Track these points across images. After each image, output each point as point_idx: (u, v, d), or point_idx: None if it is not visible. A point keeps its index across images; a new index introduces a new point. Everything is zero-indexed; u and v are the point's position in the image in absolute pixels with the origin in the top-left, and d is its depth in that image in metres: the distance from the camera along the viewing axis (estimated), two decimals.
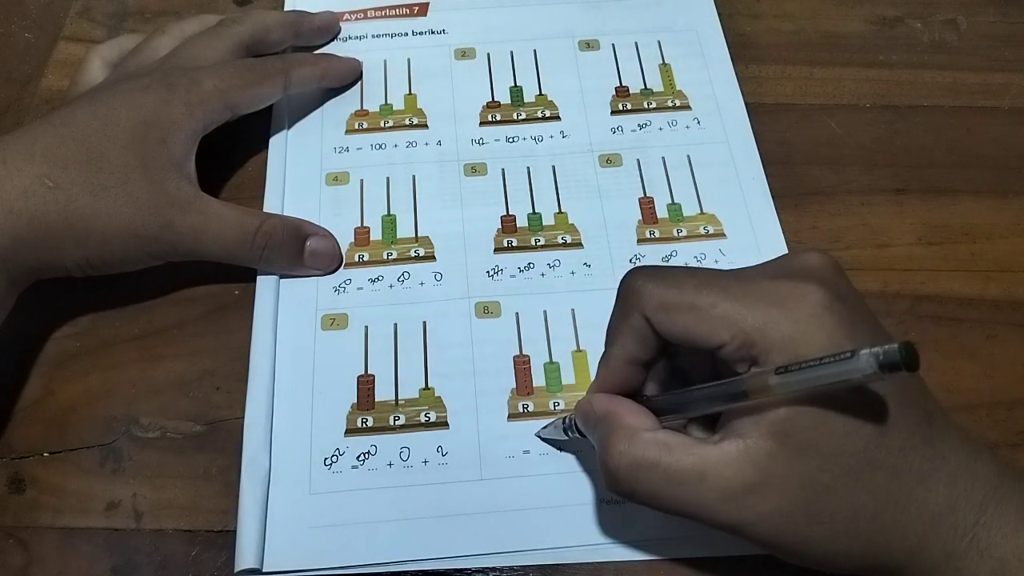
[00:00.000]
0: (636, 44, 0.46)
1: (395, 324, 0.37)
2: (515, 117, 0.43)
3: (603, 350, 0.29)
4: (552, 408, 0.35)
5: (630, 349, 0.28)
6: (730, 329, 0.25)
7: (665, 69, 0.45)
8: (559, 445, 0.34)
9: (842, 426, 0.24)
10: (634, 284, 0.28)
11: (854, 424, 0.25)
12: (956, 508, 0.25)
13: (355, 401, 0.35)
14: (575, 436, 0.31)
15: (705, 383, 0.27)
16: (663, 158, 0.42)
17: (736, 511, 0.25)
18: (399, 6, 0.47)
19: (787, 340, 0.25)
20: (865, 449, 0.25)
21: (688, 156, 0.42)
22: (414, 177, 0.41)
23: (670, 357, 0.30)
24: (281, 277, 0.38)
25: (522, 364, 0.36)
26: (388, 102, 0.44)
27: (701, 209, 0.40)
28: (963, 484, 0.26)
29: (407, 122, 0.43)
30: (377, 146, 0.42)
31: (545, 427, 0.34)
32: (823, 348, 0.24)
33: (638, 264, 0.38)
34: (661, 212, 0.40)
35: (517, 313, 0.37)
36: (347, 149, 0.42)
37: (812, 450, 0.25)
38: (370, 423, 0.34)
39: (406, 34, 0.46)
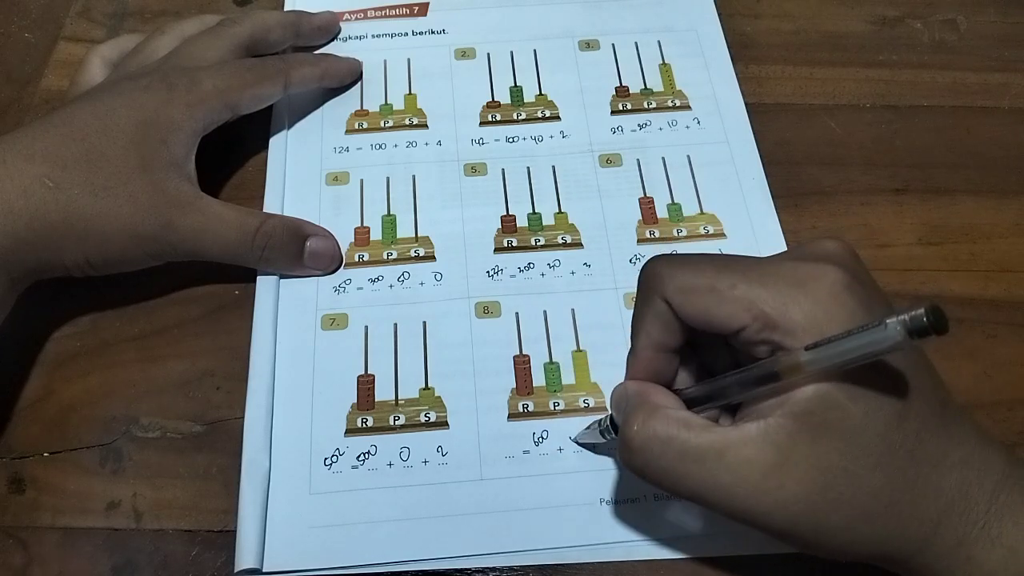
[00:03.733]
0: (636, 44, 0.46)
1: (395, 324, 0.37)
2: (515, 117, 0.43)
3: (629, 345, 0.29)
4: (552, 408, 0.35)
5: (655, 336, 0.28)
6: (750, 310, 0.25)
7: (665, 69, 0.45)
8: (596, 449, 0.34)
9: (863, 407, 0.25)
10: (654, 269, 0.28)
11: (874, 405, 0.25)
12: (969, 494, 0.25)
13: (355, 401, 0.35)
14: (612, 438, 0.31)
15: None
16: (663, 158, 0.42)
17: (752, 496, 0.25)
18: (399, 6, 0.47)
19: (809, 319, 0.25)
20: (885, 431, 0.25)
21: (688, 156, 0.42)
22: (414, 177, 0.41)
23: (696, 351, 0.30)
24: (281, 277, 0.38)
25: (522, 364, 0.36)
26: (388, 102, 0.44)
27: (701, 209, 0.40)
28: (976, 470, 0.26)
29: (407, 122, 0.43)
30: (377, 146, 0.42)
31: (582, 431, 0.34)
32: (845, 326, 0.24)
33: (638, 264, 0.38)
34: (661, 212, 0.40)
35: (517, 313, 0.37)
36: (347, 149, 0.42)
37: (832, 431, 0.25)
38: (370, 423, 0.34)
39: (406, 34, 0.46)
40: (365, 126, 0.43)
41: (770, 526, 0.26)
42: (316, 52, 0.45)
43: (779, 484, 0.25)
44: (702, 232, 0.39)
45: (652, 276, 0.28)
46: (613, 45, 0.46)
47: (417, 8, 0.47)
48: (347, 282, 0.38)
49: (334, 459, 0.33)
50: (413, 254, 0.39)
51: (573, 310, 0.37)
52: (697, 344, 0.30)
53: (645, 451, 0.26)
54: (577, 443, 0.34)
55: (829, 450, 0.25)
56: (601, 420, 0.32)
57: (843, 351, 0.23)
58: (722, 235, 0.39)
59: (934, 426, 0.25)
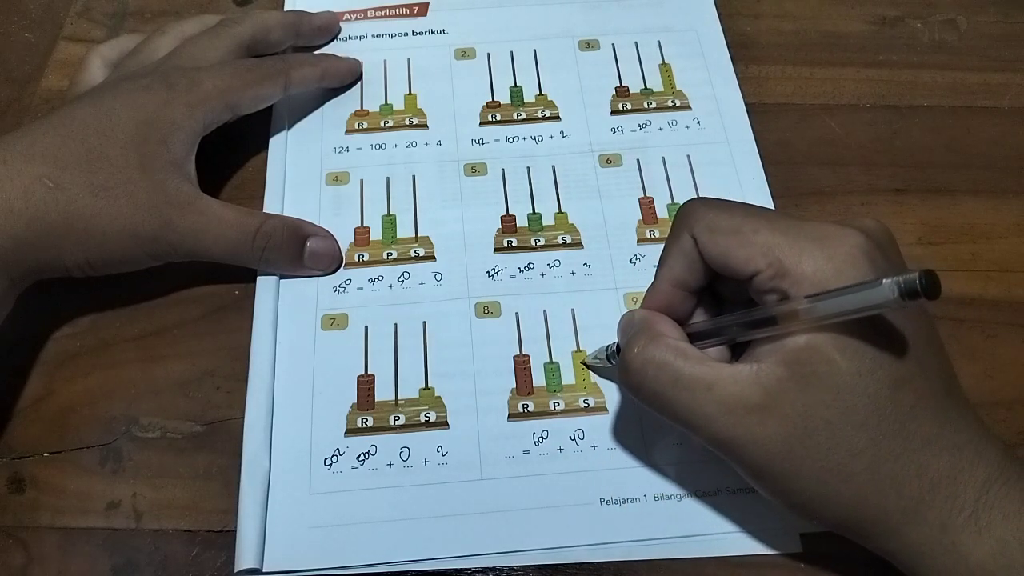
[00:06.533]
0: (636, 44, 0.46)
1: (395, 324, 0.37)
2: (515, 117, 0.43)
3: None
4: (552, 408, 0.35)
5: (676, 271, 0.29)
6: (767, 256, 0.26)
7: (665, 69, 0.45)
8: (599, 372, 0.35)
9: (856, 366, 0.25)
10: (689, 207, 0.29)
11: (868, 368, 0.25)
12: (957, 479, 0.25)
13: (355, 401, 0.35)
14: (615, 365, 0.32)
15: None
16: (663, 158, 0.42)
17: (734, 427, 0.26)
18: (399, 6, 0.47)
19: (819, 272, 0.25)
20: (875, 396, 0.25)
21: (688, 156, 0.42)
22: (414, 177, 0.41)
23: (721, 306, 0.30)
24: (281, 277, 0.38)
25: (522, 364, 0.36)
26: (388, 102, 0.44)
27: None
28: (968, 458, 0.26)
29: (407, 122, 0.43)
30: (377, 146, 0.42)
31: (592, 354, 0.35)
32: None
33: (638, 264, 0.38)
34: (661, 212, 0.40)
35: (517, 313, 0.37)
36: (347, 149, 0.42)
37: (821, 383, 0.25)
38: (370, 423, 0.34)
39: (406, 34, 0.46)
40: (365, 126, 0.43)
41: (745, 459, 0.26)
42: (316, 52, 0.45)
43: (760, 421, 0.26)
44: None
45: (685, 213, 0.29)
46: (613, 45, 0.46)
47: (417, 8, 0.47)
48: (347, 282, 0.38)
49: (334, 459, 0.33)
50: (413, 254, 0.39)
51: (573, 310, 0.37)
52: (723, 299, 0.30)
53: (641, 373, 0.27)
54: (586, 365, 0.35)
55: (815, 401, 0.25)
56: (609, 346, 0.33)
57: (838, 303, 0.24)
58: None
59: (931, 407, 0.26)
